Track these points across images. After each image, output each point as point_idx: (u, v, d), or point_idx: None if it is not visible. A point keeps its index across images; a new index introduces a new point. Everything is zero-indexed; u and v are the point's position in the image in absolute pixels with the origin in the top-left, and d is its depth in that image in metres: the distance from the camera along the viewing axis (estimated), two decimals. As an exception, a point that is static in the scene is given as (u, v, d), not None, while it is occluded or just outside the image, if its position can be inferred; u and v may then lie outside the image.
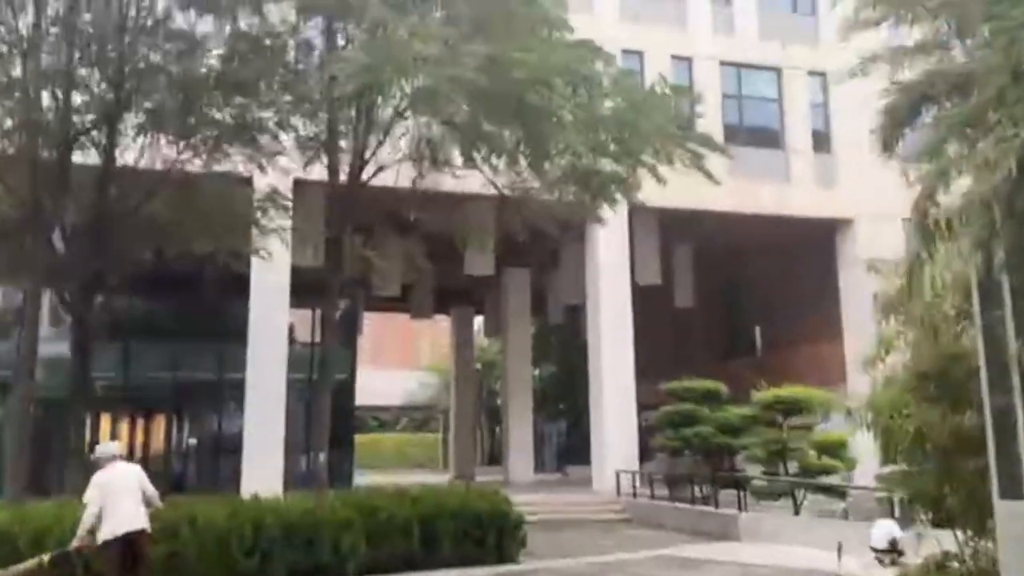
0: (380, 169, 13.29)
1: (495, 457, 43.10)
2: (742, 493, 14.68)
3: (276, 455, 18.56)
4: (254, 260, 18.52)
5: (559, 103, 10.98)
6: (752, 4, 23.69)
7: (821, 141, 23.32)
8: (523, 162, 12.64)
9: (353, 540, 10.03)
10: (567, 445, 41.79)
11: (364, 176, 13.21)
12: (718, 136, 22.50)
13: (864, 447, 18.37)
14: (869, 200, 23.14)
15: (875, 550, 12.07)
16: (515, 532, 11.58)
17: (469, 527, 11.06)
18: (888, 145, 6.85)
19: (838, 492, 16.51)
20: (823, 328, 23.69)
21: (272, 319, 18.99)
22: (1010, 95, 5.39)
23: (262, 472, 17.93)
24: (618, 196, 13.47)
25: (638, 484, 18.97)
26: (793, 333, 24.68)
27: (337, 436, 24.08)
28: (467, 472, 33.53)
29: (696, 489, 17.98)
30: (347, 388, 23.91)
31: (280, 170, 14.36)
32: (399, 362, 64.86)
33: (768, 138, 23.09)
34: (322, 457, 11.82)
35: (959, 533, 7.33)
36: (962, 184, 5.87)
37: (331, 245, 13.58)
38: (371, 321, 74.42)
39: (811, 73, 23.28)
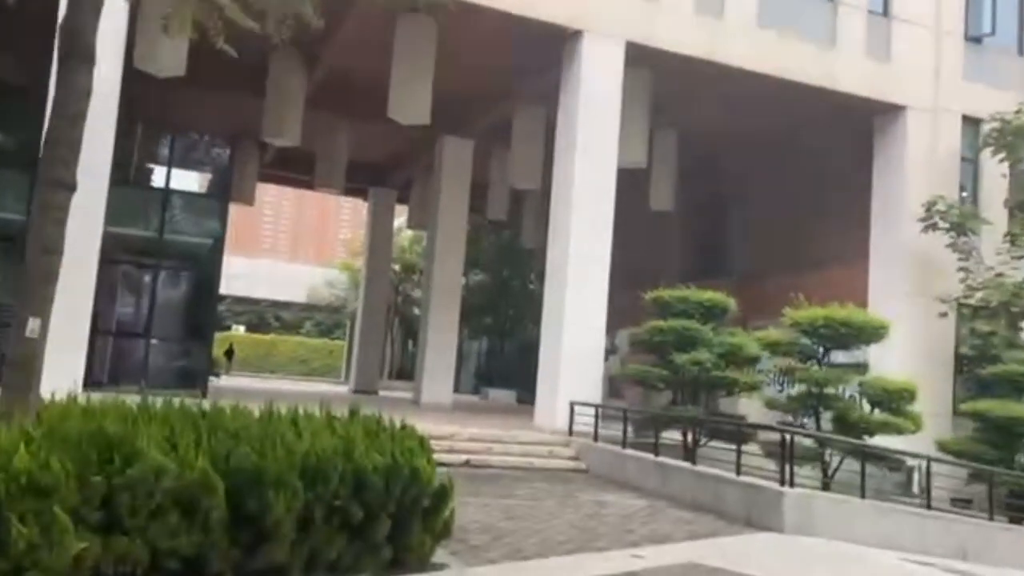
0: None
1: (405, 372, 37.56)
2: (789, 457, 9.33)
3: (76, 338, 12.38)
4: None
5: None
6: None
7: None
8: None
9: (53, 526, 4.19)
10: (488, 365, 36.59)
11: None
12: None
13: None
14: (926, 86, 17.84)
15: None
16: (436, 511, 5.93)
17: (344, 501, 5.37)
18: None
19: (890, 459, 11.51)
20: (842, 245, 18.59)
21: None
22: None
23: (49, 361, 11.80)
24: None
25: (600, 423, 13.65)
26: (802, 250, 19.51)
27: (192, 326, 18.00)
28: (370, 385, 27.96)
29: (682, 439, 12.82)
30: (210, 263, 17.54)
31: None
32: (318, 257, 58.32)
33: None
34: (31, 325, 5.68)
35: None
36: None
37: None
38: (289, 202, 67.50)
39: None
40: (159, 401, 7.07)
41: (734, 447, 11.04)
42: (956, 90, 17.97)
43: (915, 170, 17.44)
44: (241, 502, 5.01)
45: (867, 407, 11.92)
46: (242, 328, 57.00)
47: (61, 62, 5.89)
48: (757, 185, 21.46)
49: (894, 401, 11.67)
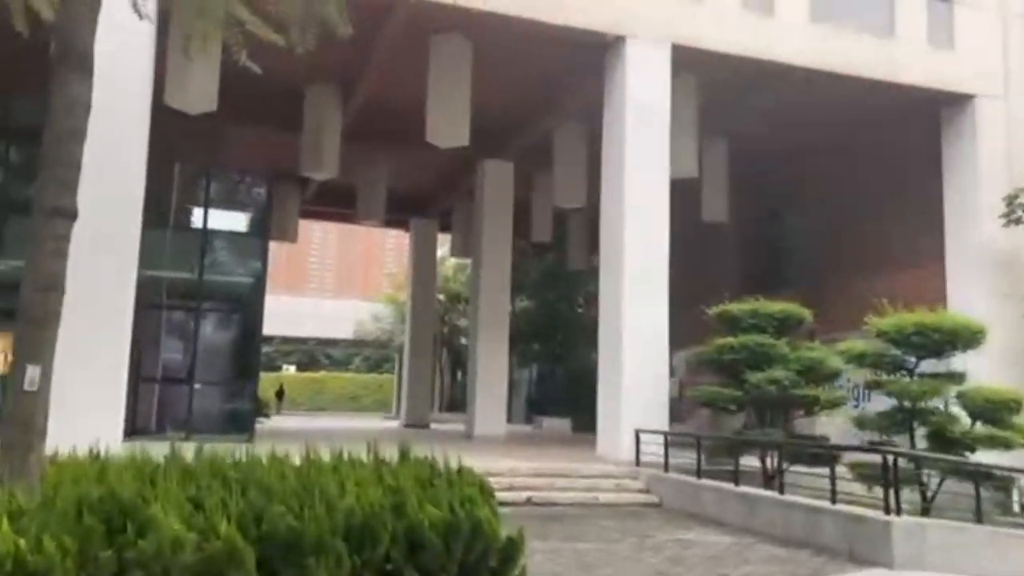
0: None
1: (455, 403, 36.80)
2: (894, 481, 8.29)
3: (114, 385, 11.84)
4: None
5: None
6: None
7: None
8: None
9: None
10: (540, 393, 35.58)
11: None
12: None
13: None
14: (995, 72, 16.70)
15: None
16: (505, 569, 5.08)
17: (397, 565, 4.56)
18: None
19: (997, 478, 10.34)
20: (912, 247, 17.42)
21: (121, 161, 11.98)
22: None
23: (87, 411, 11.30)
24: None
25: (664, 451, 12.67)
26: (868, 255, 18.39)
27: (236, 368, 17.43)
28: (421, 419, 27.27)
29: (763, 463, 11.80)
30: (252, 302, 17.00)
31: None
32: (364, 292, 58.07)
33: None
34: (29, 374, 4.96)
35: None
36: None
37: None
38: (333, 239, 67.84)
39: None
40: (197, 449, 6.45)
41: (817, 471, 10.11)
42: (1028, 75, 16.81)
43: (989, 162, 16.28)
44: (276, 572, 4.25)
45: (966, 420, 10.78)
46: (292, 367, 56.97)
47: (55, 74, 5.29)
48: (816, 189, 20.40)
49: (998, 412, 10.52)
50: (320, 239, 68.24)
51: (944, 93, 16.36)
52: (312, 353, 58.93)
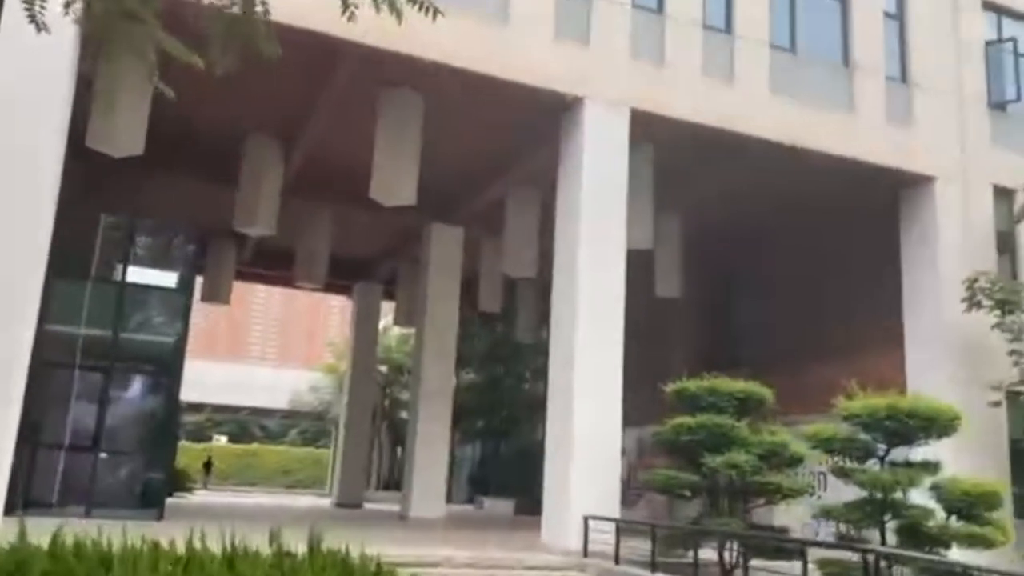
0: None
1: (393, 482, 35.06)
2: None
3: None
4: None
5: None
6: None
7: (894, 63, 16.69)
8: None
9: None
10: (483, 472, 34.12)
11: None
12: (763, 39, 15.67)
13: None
14: (952, 154, 16.63)
15: None
16: None
17: None
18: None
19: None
20: (872, 329, 16.94)
21: (25, 204, 10.79)
22: None
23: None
24: None
25: (615, 541, 11.57)
26: (825, 335, 17.87)
27: (149, 436, 15.85)
28: (354, 498, 25.66)
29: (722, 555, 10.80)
30: (171, 364, 15.57)
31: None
32: (307, 362, 56.16)
33: (827, 49, 16.34)
34: None
35: None
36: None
37: None
38: (277, 304, 65.87)
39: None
40: (57, 530, 5.24)
41: (777, 567, 9.25)
42: (984, 159, 16.77)
43: (948, 245, 16.01)
44: None
45: (941, 515, 9.99)
46: (224, 438, 54.41)
47: None
48: (774, 267, 19.99)
49: (976, 507, 9.75)
50: (263, 304, 66.49)
51: (903, 173, 16.15)
52: (245, 424, 56.47)
